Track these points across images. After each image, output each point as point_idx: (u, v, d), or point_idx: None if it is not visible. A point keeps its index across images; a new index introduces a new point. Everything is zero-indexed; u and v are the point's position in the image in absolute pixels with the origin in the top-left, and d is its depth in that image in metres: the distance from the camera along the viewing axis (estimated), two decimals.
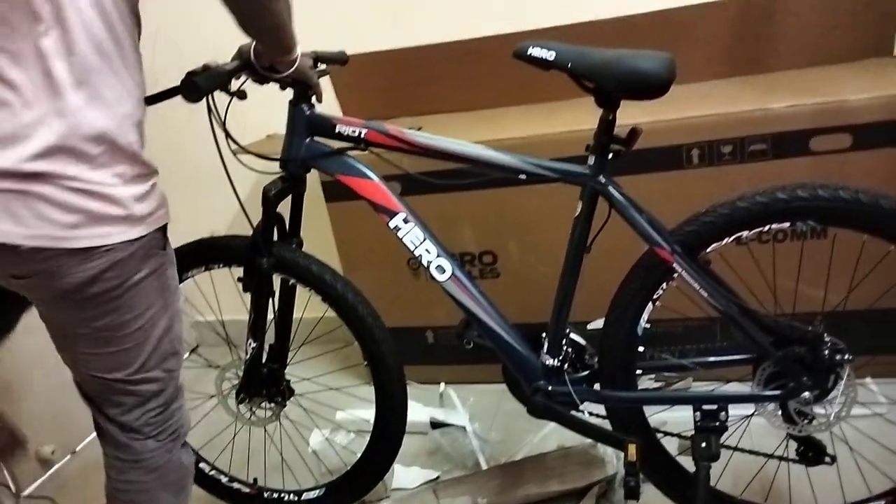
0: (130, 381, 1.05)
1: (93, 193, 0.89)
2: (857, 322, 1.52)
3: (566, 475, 1.47)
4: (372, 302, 1.38)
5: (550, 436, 1.65)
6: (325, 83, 1.85)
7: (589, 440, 1.42)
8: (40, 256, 0.89)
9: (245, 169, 1.24)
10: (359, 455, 1.48)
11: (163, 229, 1.03)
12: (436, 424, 1.74)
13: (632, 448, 1.20)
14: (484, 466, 1.60)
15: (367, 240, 1.80)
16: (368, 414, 1.52)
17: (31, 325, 1.52)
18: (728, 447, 1.22)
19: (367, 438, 1.45)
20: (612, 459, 1.48)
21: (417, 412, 1.74)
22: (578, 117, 1.55)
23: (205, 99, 1.11)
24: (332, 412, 1.79)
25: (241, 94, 1.19)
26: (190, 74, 1.06)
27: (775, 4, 1.59)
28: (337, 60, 1.36)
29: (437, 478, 1.60)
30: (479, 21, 1.77)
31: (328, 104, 1.92)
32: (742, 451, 1.24)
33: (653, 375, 1.31)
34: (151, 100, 1.03)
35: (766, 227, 1.10)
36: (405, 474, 1.62)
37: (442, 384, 1.92)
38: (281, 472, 1.63)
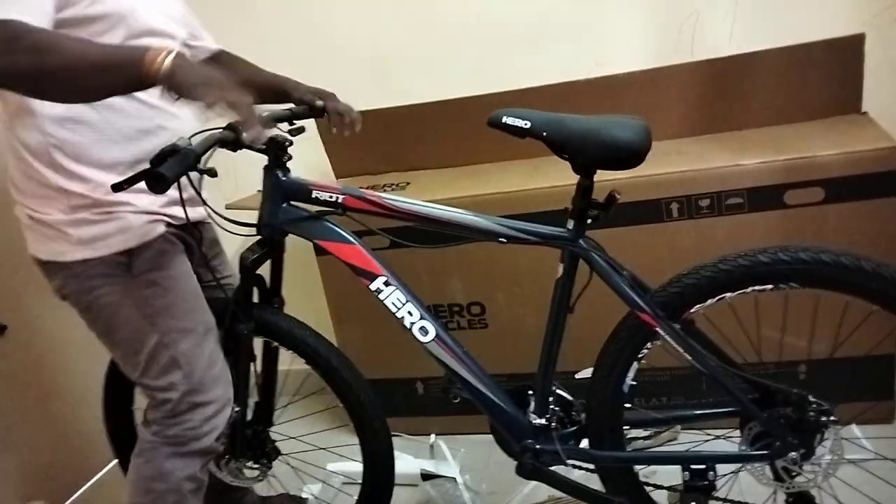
0: (141, 384, 1.15)
1: (41, 221, 1.05)
2: (842, 370, 1.47)
3: None
4: (361, 354, 1.32)
5: (541, 487, 1.56)
6: (315, 142, 1.84)
7: None
8: (36, 262, 1.11)
9: (232, 224, 1.17)
10: None
11: (127, 254, 1.07)
12: (426, 476, 1.66)
13: None
14: None
15: (356, 293, 1.71)
16: (358, 467, 1.44)
17: (20, 375, 1.46)
18: (718, 499, 1.15)
19: (356, 495, 1.37)
20: None
21: (408, 464, 1.66)
22: (560, 173, 1.50)
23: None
24: (320, 469, 1.70)
25: (212, 173, 1.02)
26: (158, 160, 0.92)
27: (746, 65, 1.57)
28: (310, 114, 1.30)
29: None
30: (462, 82, 1.76)
31: (320, 161, 1.90)
32: (732, 503, 1.17)
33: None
34: (117, 187, 0.95)
35: (749, 290, 1.05)
36: None
37: (432, 436, 1.83)
38: None
